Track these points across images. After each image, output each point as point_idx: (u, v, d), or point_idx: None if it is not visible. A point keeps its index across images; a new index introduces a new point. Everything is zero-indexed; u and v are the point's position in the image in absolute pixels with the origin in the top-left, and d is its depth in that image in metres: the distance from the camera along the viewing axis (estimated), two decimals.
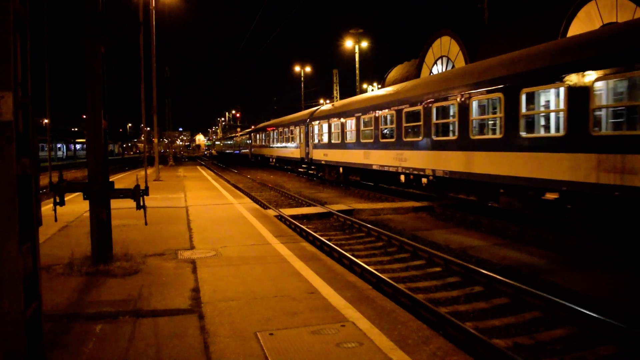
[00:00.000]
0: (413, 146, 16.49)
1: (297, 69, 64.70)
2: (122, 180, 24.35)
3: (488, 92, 12.45)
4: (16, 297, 3.37)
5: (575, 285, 7.91)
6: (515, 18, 28.64)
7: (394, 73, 41.72)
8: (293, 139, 34.17)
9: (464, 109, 13.40)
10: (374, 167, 19.81)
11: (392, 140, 18.08)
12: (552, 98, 11.14)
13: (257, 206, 14.67)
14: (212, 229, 10.42)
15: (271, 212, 14.79)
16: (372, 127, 19.97)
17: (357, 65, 43.86)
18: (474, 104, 13.14)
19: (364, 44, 44.77)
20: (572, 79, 9.73)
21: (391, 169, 18.17)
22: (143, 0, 23.16)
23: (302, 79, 64.21)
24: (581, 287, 7.77)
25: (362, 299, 5.65)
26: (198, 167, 43.07)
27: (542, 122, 11.53)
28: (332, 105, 28.81)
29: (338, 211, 15.37)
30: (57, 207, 6.89)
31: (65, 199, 7.07)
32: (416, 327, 4.78)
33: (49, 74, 6.05)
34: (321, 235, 11.88)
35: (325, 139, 26.60)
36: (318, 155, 27.99)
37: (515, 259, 9.67)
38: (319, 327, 4.79)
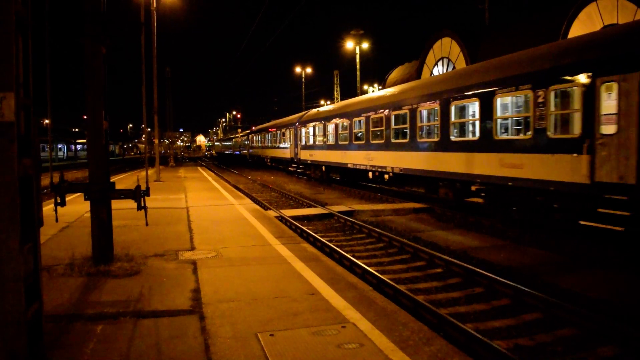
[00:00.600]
0: (378, 147, 19.64)
1: (298, 69, 64.72)
2: (123, 180, 24.35)
3: (430, 103, 15.65)
4: (17, 298, 3.38)
5: (575, 286, 7.90)
6: (516, 19, 28.64)
7: (394, 74, 41.72)
8: (284, 141, 37.43)
9: (413, 116, 16.65)
10: (349, 165, 23.04)
11: (363, 142, 21.28)
12: (473, 109, 13.79)
13: (258, 207, 14.68)
14: (212, 230, 10.43)
15: (272, 213, 14.80)
16: (348, 131, 23.24)
17: (357, 67, 43.86)
18: (420, 113, 16.37)
19: (365, 45, 44.76)
20: (483, 95, 12.86)
21: (362, 167, 21.39)
22: (144, 1, 23.20)
23: (303, 79, 64.23)
24: (581, 288, 7.76)
25: (363, 300, 5.65)
26: (199, 168, 43.09)
27: (467, 128, 14.34)
28: (317, 110, 31.76)
29: (339, 212, 15.37)
30: (58, 207, 6.89)
31: (66, 199, 7.08)
32: (417, 328, 4.78)
33: (50, 75, 6.06)
34: (322, 237, 11.89)
35: (311, 141, 29.94)
36: (305, 155, 31.25)
37: (516, 260, 9.67)
38: (319, 328, 4.79)
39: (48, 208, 7.54)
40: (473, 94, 13.32)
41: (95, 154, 7.13)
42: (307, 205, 18.03)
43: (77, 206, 13.28)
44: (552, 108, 10.77)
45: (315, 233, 12.32)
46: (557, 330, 6.10)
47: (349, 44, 44.34)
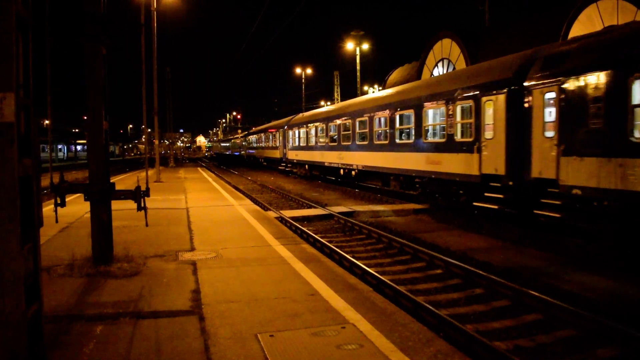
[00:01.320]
0: (346, 149, 23.68)
1: (298, 70, 64.70)
2: (123, 181, 24.35)
3: (382, 112, 19.68)
4: (17, 298, 3.38)
5: (575, 287, 7.90)
6: (516, 20, 28.64)
7: (394, 75, 41.73)
8: (275, 142, 41.94)
9: (371, 123, 20.66)
10: (326, 164, 27.10)
11: (336, 144, 25.38)
12: (410, 118, 17.37)
13: (258, 208, 14.68)
14: (212, 231, 10.43)
15: (272, 214, 14.80)
16: (324, 134, 27.45)
17: (357, 67, 43.90)
18: (376, 120, 20.28)
19: (365, 45, 44.81)
20: (416, 107, 16.78)
21: (335, 165, 25.58)
22: (144, 2, 23.20)
23: (303, 80, 64.22)
24: (581, 289, 7.77)
25: (363, 301, 5.65)
26: (199, 169, 43.09)
27: (407, 133, 18.06)
28: (302, 115, 36.34)
29: (339, 213, 15.38)
30: (58, 208, 6.89)
31: (66, 200, 7.07)
32: (417, 329, 4.78)
33: (51, 75, 6.06)
34: (322, 237, 11.89)
35: (296, 143, 34.28)
36: (291, 155, 35.81)
37: (515, 261, 9.67)
38: (319, 329, 4.78)
39: (48, 209, 7.53)
40: (410, 105, 17.24)
41: (95, 154, 7.13)
42: (307, 206, 18.04)
43: (77, 207, 13.28)
44: (458, 119, 14.29)
45: (315, 234, 12.33)
46: (557, 331, 6.10)
47: (349, 45, 44.41)
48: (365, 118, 21.06)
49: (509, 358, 5.08)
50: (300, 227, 13.08)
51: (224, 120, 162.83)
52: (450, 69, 30.61)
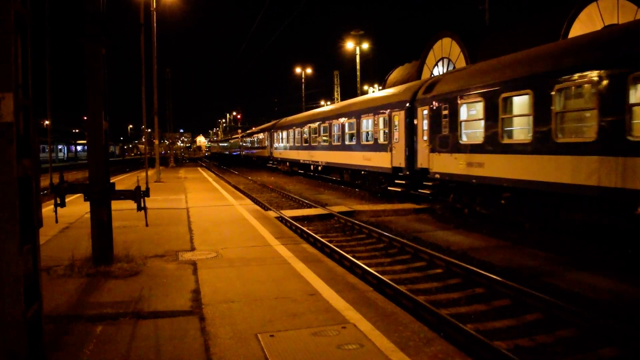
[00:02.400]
0: (316, 148, 29.02)
1: (298, 70, 64.66)
2: (123, 181, 24.35)
3: (335, 120, 25.38)
4: (17, 298, 3.37)
5: (575, 286, 7.89)
6: (516, 19, 28.62)
7: (394, 74, 41.70)
8: (264, 143, 48.21)
9: (331, 128, 26.02)
10: (301, 161, 32.41)
11: (307, 144, 31.00)
12: (353, 125, 22.72)
13: (258, 207, 14.67)
14: (212, 231, 10.42)
15: (272, 214, 14.79)
16: (300, 137, 32.90)
17: (357, 67, 43.87)
18: (334, 126, 25.53)
19: (365, 45, 44.77)
20: (357, 115, 22.28)
21: (307, 162, 31.02)
22: (144, 2, 23.18)
23: (303, 80, 64.19)
24: (581, 289, 7.76)
25: (363, 301, 5.64)
26: (199, 169, 43.10)
27: (351, 136, 22.93)
28: (285, 119, 41.38)
29: (339, 213, 15.36)
30: (58, 208, 6.88)
31: (66, 200, 7.07)
32: (417, 329, 4.78)
33: (50, 75, 6.05)
34: (322, 237, 11.88)
35: (280, 143, 40.01)
36: (276, 154, 41.82)
37: (516, 261, 9.66)
38: (319, 329, 4.78)
39: (48, 209, 7.53)
40: (351, 113, 23.01)
41: (95, 154, 7.12)
42: (307, 205, 18.03)
43: (77, 207, 13.27)
44: (381, 126, 19.51)
45: (316, 233, 12.32)
46: (558, 331, 6.09)
47: (349, 45, 44.37)
48: (327, 124, 26.84)
49: (509, 358, 5.07)
50: (300, 226, 13.07)
51: (224, 120, 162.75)
52: (451, 68, 30.61)
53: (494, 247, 11.03)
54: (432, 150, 15.31)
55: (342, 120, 24.18)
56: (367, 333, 4.66)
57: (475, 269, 8.35)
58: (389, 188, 18.74)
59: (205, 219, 12.15)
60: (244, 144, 66.70)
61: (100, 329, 4.83)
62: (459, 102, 13.92)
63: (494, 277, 7.80)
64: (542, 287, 7.65)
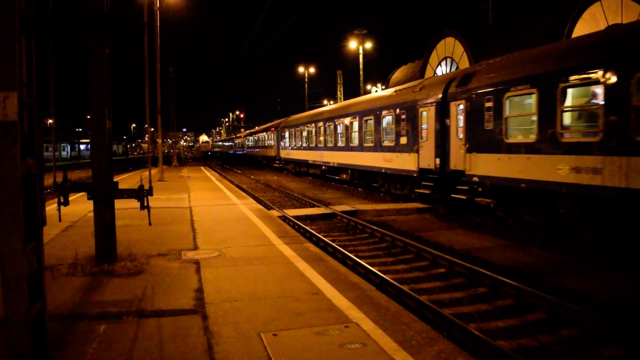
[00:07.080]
0: (325, 149, 28.44)
1: (301, 69, 64.62)
2: (126, 180, 24.38)
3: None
4: (21, 297, 3.39)
5: (579, 286, 7.87)
6: (520, 19, 28.54)
7: (398, 74, 41.65)
8: (270, 142, 47.09)
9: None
10: (310, 161, 31.77)
11: (314, 145, 30.71)
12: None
13: (261, 207, 14.68)
14: (215, 230, 10.43)
15: (275, 213, 14.80)
16: (307, 136, 32.51)
17: (361, 66, 43.83)
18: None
19: (368, 44, 44.71)
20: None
21: (317, 163, 30.20)
22: (147, 1, 23.22)
23: (306, 79, 64.15)
24: (585, 288, 7.73)
25: (366, 300, 5.64)
26: (202, 168, 43.15)
27: (359, 137, 22.61)
28: (293, 117, 40.74)
29: (342, 212, 15.35)
30: (62, 207, 6.90)
31: (70, 199, 7.08)
32: (420, 329, 4.77)
33: (54, 74, 6.07)
34: (325, 236, 11.87)
35: (287, 143, 39.02)
36: (284, 154, 40.59)
37: (519, 261, 9.64)
38: (322, 328, 4.78)
39: (51, 208, 7.56)
40: (369, 111, 21.70)
41: (99, 153, 7.14)
42: (310, 205, 18.03)
43: (81, 206, 13.30)
44: (406, 124, 17.80)
45: (319, 233, 12.31)
46: (561, 331, 6.07)
47: (353, 44, 44.33)
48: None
49: (512, 357, 5.06)
50: (303, 226, 13.07)
51: (227, 120, 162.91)
52: (454, 68, 30.56)
53: (497, 246, 11.00)
54: (470, 150, 13.60)
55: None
56: (370, 332, 4.66)
57: (478, 268, 8.33)
58: (416, 190, 16.92)
59: (208, 218, 12.17)
60: (248, 143, 66.15)
61: (103, 327, 4.84)
62: (505, 95, 12.00)
63: (497, 276, 7.78)
64: (545, 287, 7.62)
